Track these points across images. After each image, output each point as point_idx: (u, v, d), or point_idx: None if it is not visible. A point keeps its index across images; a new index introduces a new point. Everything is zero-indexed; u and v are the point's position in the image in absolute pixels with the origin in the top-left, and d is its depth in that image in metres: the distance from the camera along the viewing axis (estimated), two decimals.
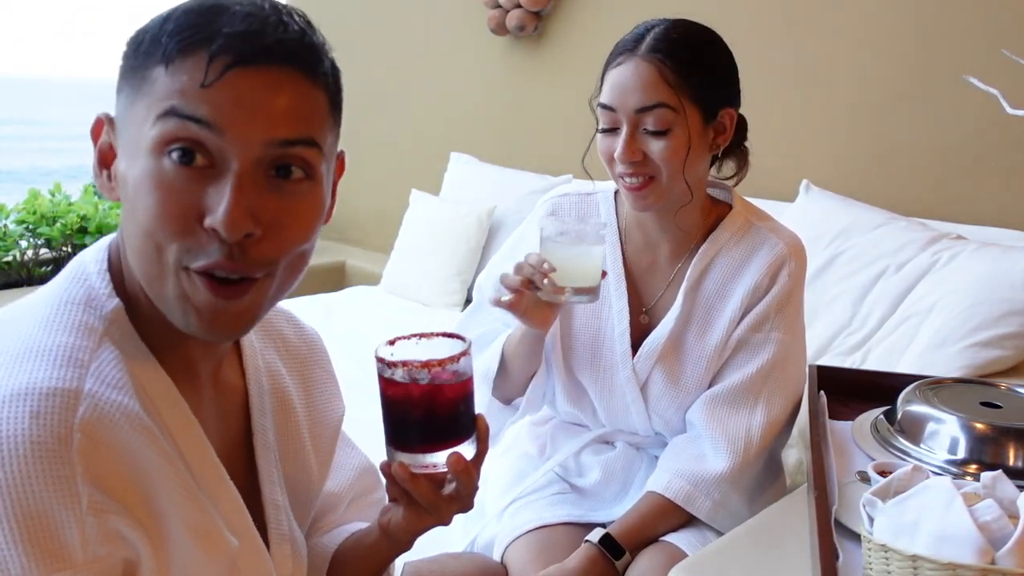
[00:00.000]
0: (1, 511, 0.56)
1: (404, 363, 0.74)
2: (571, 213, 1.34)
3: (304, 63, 0.66)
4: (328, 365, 0.94)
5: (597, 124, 1.22)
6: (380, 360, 0.75)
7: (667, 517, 1.21)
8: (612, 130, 1.19)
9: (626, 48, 1.18)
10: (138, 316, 0.69)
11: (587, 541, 1.18)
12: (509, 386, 1.32)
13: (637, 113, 1.16)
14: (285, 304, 0.83)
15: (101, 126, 0.69)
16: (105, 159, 0.69)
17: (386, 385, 0.76)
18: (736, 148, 1.31)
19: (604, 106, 1.19)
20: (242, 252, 0.64)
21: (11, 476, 0.56)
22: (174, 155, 0.62)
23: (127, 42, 0.68)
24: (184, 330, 0.67)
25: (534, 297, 1.14)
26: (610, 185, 1.36)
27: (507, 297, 1.14)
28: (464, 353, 0.76)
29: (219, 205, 0.62)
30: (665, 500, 1.20)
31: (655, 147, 1.16)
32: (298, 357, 0.90)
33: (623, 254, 1.31)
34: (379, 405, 0.79)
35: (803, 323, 1.31)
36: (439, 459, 0.77)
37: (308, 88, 0.66)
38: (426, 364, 0.74)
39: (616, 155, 1.17)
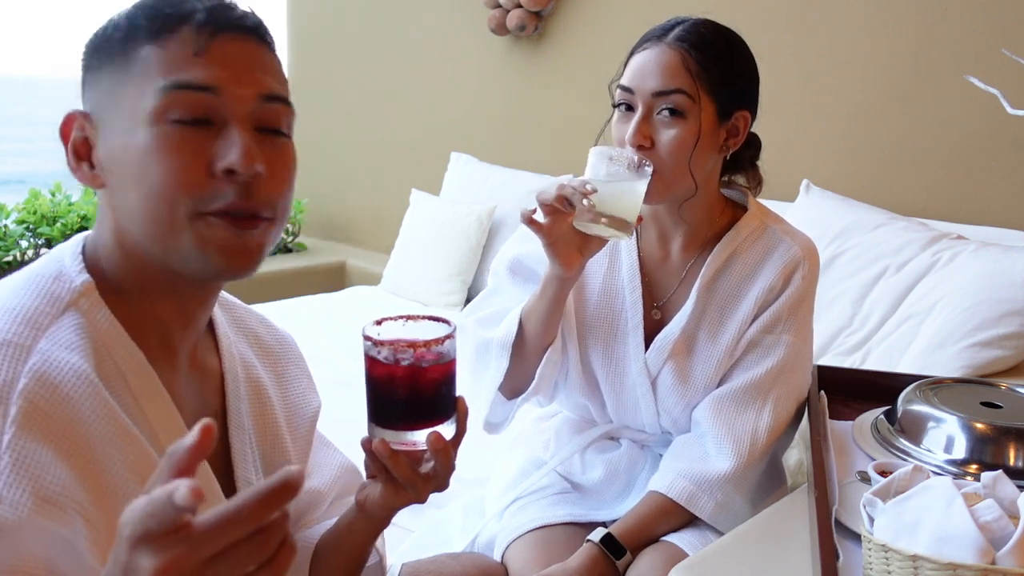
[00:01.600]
0: None
1: (391, 342, 0.76)
2: None
3: (266, 35, 0.75)
4: (302, 363, 0.97)
5: (614, 107, 1.22)
6: (367, 339, 0.77)
7: (669, 517, 1.21)
8: (627, 113, 1.19)
9: (653, 35, 1.20)
10: (114, 295, 0.73)
11: (588, 540, 1.18)
12: (523, 358, 1.28)
13: (654, 96, 1.16)
14: (281, 306, 0.86)
15: (72, 122, 0.74)
16: (79, 152, 0.74)
17: (372, 363, 0.78)
18: (748, 164, 1.31)
19: (623, 87, 1.19)
20: (251, 192, 0.71)
21: None
22: (180, 119, 0.69)
23: (90, 42, 0.74)
24: (202, 274, 0.73)
25: (567, 229, 1.12)
26: None
27: (541, 217, 1.12)
28: (449, 336, 0.78)
29: (231, 149, 0.69)
30: (667, 500, 1.20)
31: (665, 134, 1.16)
32: (271, 354, 0.93)
33: (638, 247, 1.31)
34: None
35: (812, 327, 1.31)
36: (419, 437, 0.79)
37: (272, 57, 0.75)
38: (411, 344, 0.76)
39: (626, 138, 1.17)
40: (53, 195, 3.39)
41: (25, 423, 0.61)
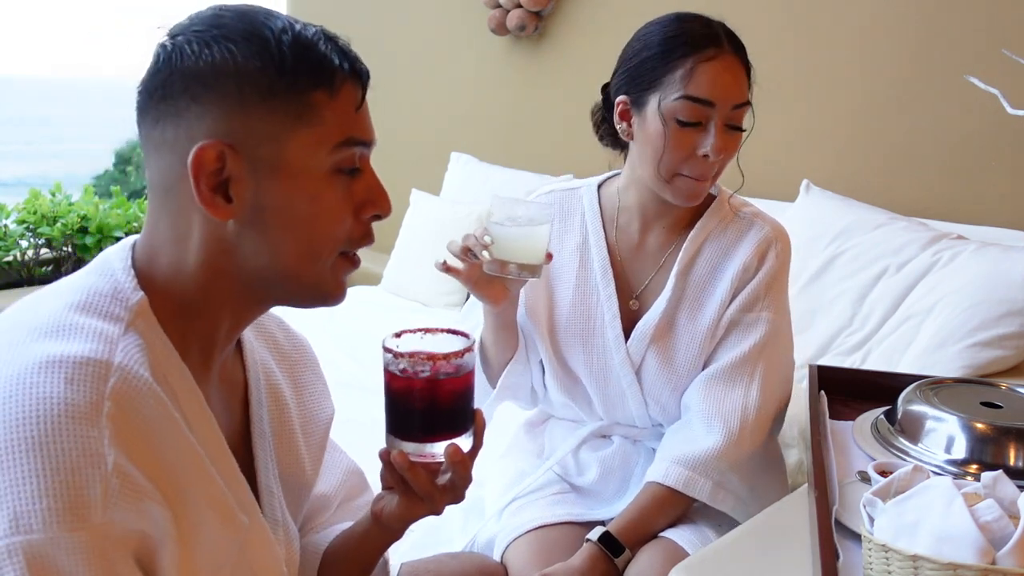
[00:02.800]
0: (31, 467, 0.57)
1: (411, 355, 0.77)
2: (557, 207, 1.35)
3: None
4: (317, 368, 0.97)
5: (665, 121, 1.16)
6: (387, 351, 0.78)
7: (667, 507, 1.22)
8: (692, 127, 1.17)
9: (709, 41, 1.16)
10: (162, 311, 0.72)
11: (588, 540, 1.18)
12: (492, 370, 1.35)
13: (733, 109, 1.17)
14: (278, 308, 0.86)
15: (214, 154, 0.69)
16: (213, 183, 0.69)
17: (391, 376, 0.79)
18: None
19: (702, 100, 1.15)
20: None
21: (43, 434, 0.58)
22: (347, 172, 0.74)
23: (232, 70, 0.69)
24: (320, 300, 0.77)
25: (482, 271, 1.15)
26: (593, 179, 1.38)
27: (455, 264, 1.17)
28: (468, 349, 0.79)
29: (379, 196, 0.77)
30: (664, 489, 1.21)
31: (732, 143, 1.19)
32: (288, 359, 0.93)
33: (608, 243, 1.32)
34: (379, 405, 0.82)
35: (788, 304, 1.34)
36: (437, 450, 0.80)
37: None
38: (431, 357, 0.77)
39: (711, 148, 1.16)
40: (53, 195, 3.39)
41: (119, 446, 0.61)
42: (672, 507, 1.22)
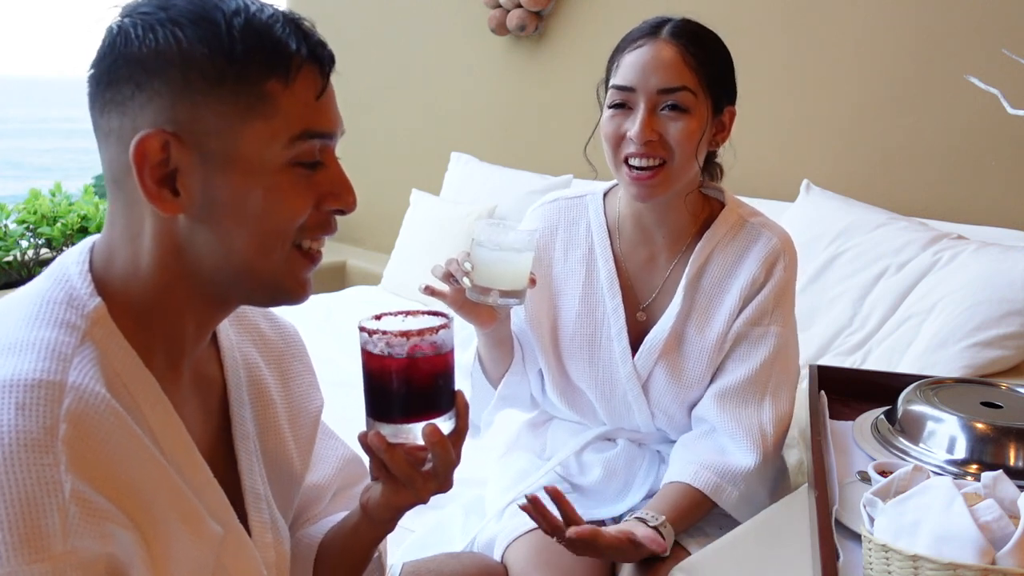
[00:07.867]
0: None
1: (384, 332, 0.76)
2: (560, 218, 1.35)
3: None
4: (305, 358, 0.95)
5: (601, 110, 1.23)
6: (362, 330, 0.78)
7: (696, 508, 1.19)
8: (622, 111, 1.19)
9: (644, 33, 1.20)
10: (122, 315, 0.69)
11: (647, 523, 1.12)
12: (490, 379, 1.35)
13: (659, 94, 1.17)
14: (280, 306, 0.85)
15: (157, 144, 0.66)
16: (158, 175, 0.66)
17: (367, 356, 0.78)
18: (711, 157, 1.31)
19: (620, 87, 1.19)
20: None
21: None
22: (307, 166, 0.71)
23: (178, 57, 0.65)
24: (281, 299, 0.75)
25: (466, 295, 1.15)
26: (598, 186, 1.37)
27: (440, 287, 1.17)
28: (444, 326, 0.78)
29: (341, 190, 0.73)
30: (695, 490, 1.19)
31: (672, 128, 1.17)
32: (275, 350, 0.91)
33: (614, 253, 1.31)
34: None
35: (795, 316, 1.33)
36: (415, 431, 0.78)
37: None
38: (404, 334, 0.76)
39: (632, 134, 1.17)
40: (53, 195, 3.39)
41: (77, 471, 0.59)
42: (699, 509, 1.20)
